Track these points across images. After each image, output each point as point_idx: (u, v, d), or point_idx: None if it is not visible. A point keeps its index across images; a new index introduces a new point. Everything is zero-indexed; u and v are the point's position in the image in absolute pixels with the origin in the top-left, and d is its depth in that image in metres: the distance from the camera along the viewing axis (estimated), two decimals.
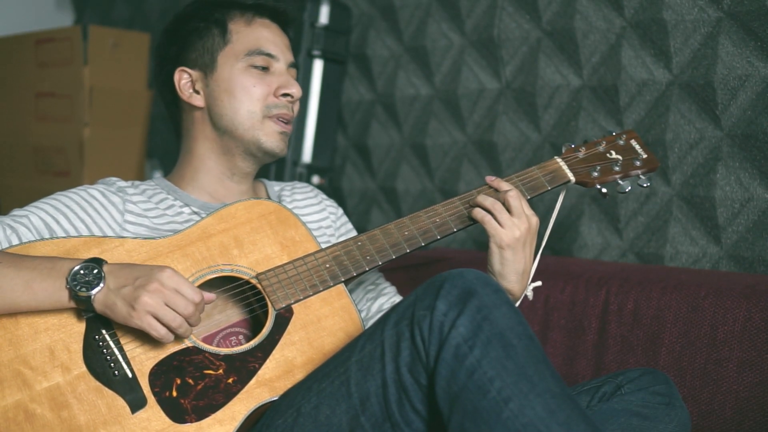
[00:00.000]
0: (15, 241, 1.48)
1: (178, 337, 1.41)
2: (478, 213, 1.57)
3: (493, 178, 1.62)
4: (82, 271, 1.38)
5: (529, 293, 1.64)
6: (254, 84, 1.65)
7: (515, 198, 1.56)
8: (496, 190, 1.60)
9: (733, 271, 2.03)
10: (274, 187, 1.82)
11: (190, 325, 1.40)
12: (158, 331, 1.37)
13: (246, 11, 1.71)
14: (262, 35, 1.69)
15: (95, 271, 1.39)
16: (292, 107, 1.69)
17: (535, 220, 1.57)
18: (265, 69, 1.67)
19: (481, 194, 1.60)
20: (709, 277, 1.90)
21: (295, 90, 1.68)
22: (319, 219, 1.79)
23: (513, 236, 1.54)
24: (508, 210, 1.56)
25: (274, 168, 2.71)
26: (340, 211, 1.86)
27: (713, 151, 2.06)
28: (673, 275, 1.92)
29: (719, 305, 1.79)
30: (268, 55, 1.67)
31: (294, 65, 1.72)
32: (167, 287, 1.36)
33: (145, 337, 1.43)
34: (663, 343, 1.85)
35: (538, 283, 1.66)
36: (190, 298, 1.38)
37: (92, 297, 1.38)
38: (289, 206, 1.76)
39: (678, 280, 1.89)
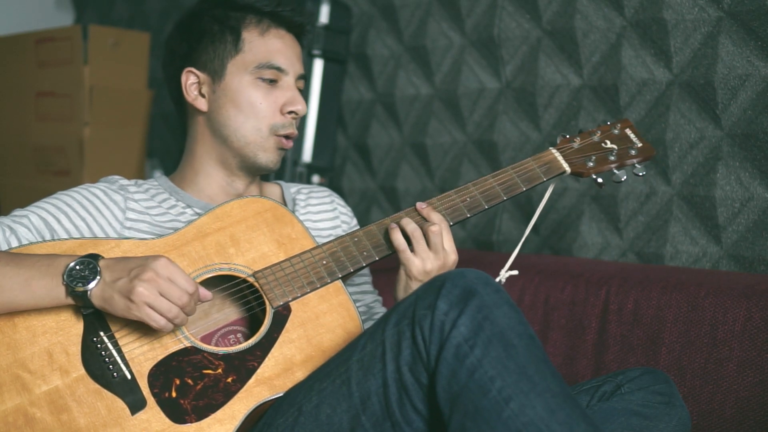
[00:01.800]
0: (14, 243, 1.48)
1: (175, 327, 1.41)
2: (396, 239, 1.54)
3: (424, 206, 1.59)
4: (77, 267, 1.38)
5: (503, 280, 1.64)
6: (261, 100, 1.64)
7: (436, 234, 1.53)
8: (425, 219, 1.58)
9: (733, 271, 2.03)
10: (291, 189, 1.81)
11: (186, 314, 1.39)
12: (157, 321, 1.36)
13: (262, 19, 1.68)
14: (275, 47, 1.67)
15: (91, 266, 1.38)
16: (295, 124, 1.69)
17: (452, 258, 1.55)
18: (273, 82, 1.66)
19: (406, 218, 1.57)
20: (709, 276, 1.90)
21: (300, 107, 1.66)
22: (331, 227, 1.78)
23: (424, 268, 1.52)
24: (427, 242, 1.54)
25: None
26: (354, 221, 1.85)
27: (713, 151, 2.06)
28: (673, 275, 1.92)
29: (719, 305, 1.79)
30: (278, 69, 1.66)
31: (302, 77, 1.71)
32: (162, 276, 1.36)
33: (144, 338, 1.43)
34: (663, 343, 1.85)
35: (515, 272, 1.66)
36: (184, 287, 1.37)
37: (89, 292, 1.37)
38: (302, 211, 1.76)
39: (678, 280, 1.88)
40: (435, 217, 1.56)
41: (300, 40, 1.74)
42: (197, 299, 1.41)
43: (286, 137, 1.67)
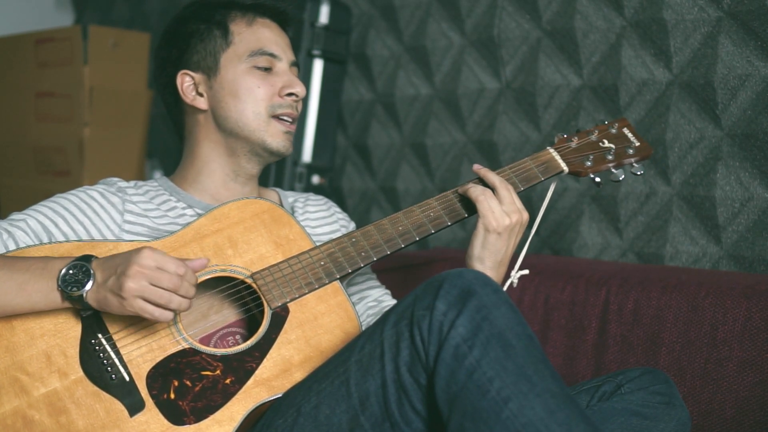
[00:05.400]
0: (12, 246, 1.48)
1: (174, 311, 1.37)
2: (473, 191, 1.56)
3: (480, 167, 1.61)
4: (71, 271, 1.38)
5: (515, 281, 1.64)
6: (258, 85, 1.65)
7: (506, 190, 1.56)
8: (484, 182, 1.60)
9: (733, 271, 2.02)
10: (289, 198, 1.81)
11: (182, 297, 1.36)
12: (151, 312, 1.35)
13: (247, 12, 1.70)
14: (264, 35, 1.68)
15: (84, 269, 1.38)
16: (296, 106, 1.69)
17: (526, 215, 1.57)
18: (268, 69, 1.66)
19: (472, 183, 1.60)
20: (709, 276, 1.90)
21: (300, 89, 1.67)
22: (330, 231, 1.78)
23: (503, 223, 1.54)
24: (499, 201, 1.56)
25: (274, 168, 2.71)
26: (352, 224, 1.85)
27: (713, 151, 2.05)
28: (673, 275, 1.92)
29: (719, 305, 1.79)
30: (271, 55, 1.67)
31: (295, 64, 1.72)
32: (147, 267, 1.34)
33: (142, 340, 1.43)
34: (663, 343, 1.85)
35: (525, 272, 1.66)
36: (173, 271, 1.35)
37: (84, 295, 1.37)
38: (301, 218, 1.75)
39: (678, 280, 1.88)
40: (496, 178, 1.58)
41: (285, 29, 1.75)
42: (192, 280, 1.39)
43: (287, 118, 1.67)
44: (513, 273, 1.65)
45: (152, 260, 1.35)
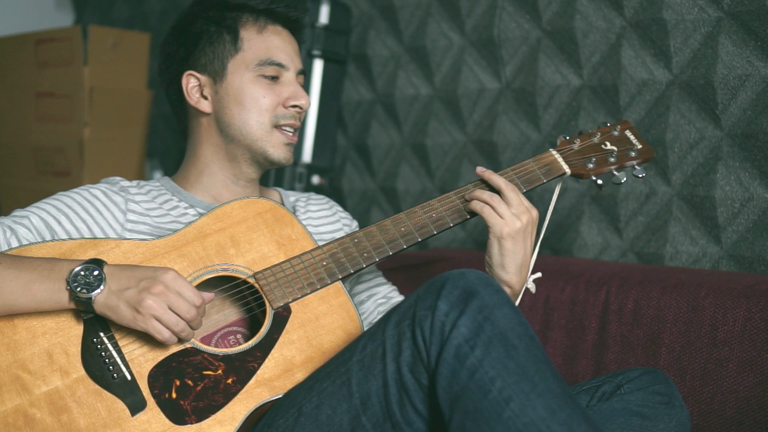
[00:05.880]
0: (14, 244, 1.48)
1: (180, 341, 1.42)
2: (476, 205, 1.57)
3: (484, 169, 1.61)
4: (82, 273, 1.38)
5: (531, 285, 1.63)
6: (264, 95, 1.65)
7: (512, 191, 1.56)
8: (488, 185, 1.60)
9: (733, 271, 2.03)
10: (290, 197, 1.82)
11: (192, 328, 1.40)
12: (162, 334, 1.38)
13: (258, 17, 1.69)
14: (274, 44, 1.68)
15: (96, 272, 1.38)
16: (299, 117, 1.69)
17: (535, 212, 1.57)
18: (274, 78, 1.66)
19: (478, 189, 1.60)
20: (709, 276, 1.90)
21: (304, 101, 1.67)
22: (332, 230, 1.78)
23: (514, 227, 1.54)
24: (507, 203, 1.56)
25: (274, 168, 2.71)
26: (355, 223, 1.85)
27: (713, 151, 2.06)
28: (673, 275, 1.92)
29: (719, 305, 1.79)
30: (279, 65, 1.66)
31: (302, 72, 1.71)
32: (171, 290, 1.37)
33: (144, 339, 1.43)
34: (663, 343, 1.85)
35: (539, 275, 1.65)
36: (192, 301, 1.38)
37: (93, 299, 1.37)
38: (303, 217, 1.76)
39: (678, 280, 1.88)
40: (499, 180, 1.58)
41: (296, 35, 1.75)
42: (203, 312, 1.42)
43: (289, 129, 1.67)
44: (528, 279, 1.65)
45: (176, 284, 1.38)
